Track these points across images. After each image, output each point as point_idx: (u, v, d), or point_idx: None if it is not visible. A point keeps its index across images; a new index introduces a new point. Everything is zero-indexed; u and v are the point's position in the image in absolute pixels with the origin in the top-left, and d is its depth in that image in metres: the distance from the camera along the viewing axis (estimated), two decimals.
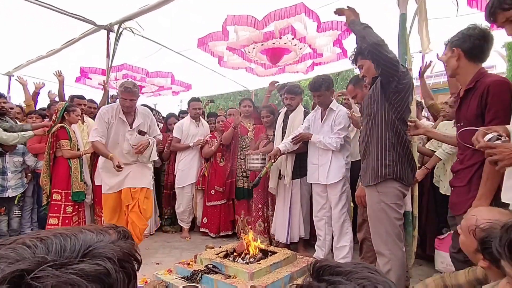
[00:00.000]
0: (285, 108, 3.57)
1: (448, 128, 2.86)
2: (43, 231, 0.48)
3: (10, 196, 3.84)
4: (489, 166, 1.55)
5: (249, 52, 4.50)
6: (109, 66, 4.58)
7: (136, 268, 0.49)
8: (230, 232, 4.11)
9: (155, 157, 3.42)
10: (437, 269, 2.73)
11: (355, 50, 2.33)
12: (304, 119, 3.38)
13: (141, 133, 3.28)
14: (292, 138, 3.16)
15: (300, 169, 3.36)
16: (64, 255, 0.44)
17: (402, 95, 2.08)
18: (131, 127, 3.23)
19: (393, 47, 2.68)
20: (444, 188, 2.87)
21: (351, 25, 2.11)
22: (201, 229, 4.20)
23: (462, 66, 1.82)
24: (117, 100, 3.31)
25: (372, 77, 2.27)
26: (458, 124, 1.90)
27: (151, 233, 4.26)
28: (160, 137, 3.54)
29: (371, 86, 2.30)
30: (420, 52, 3.99)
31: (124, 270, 0.47)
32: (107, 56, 4.44)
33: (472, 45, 1.77)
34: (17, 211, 4.00)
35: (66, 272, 0.42)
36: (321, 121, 3.13)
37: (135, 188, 3.27)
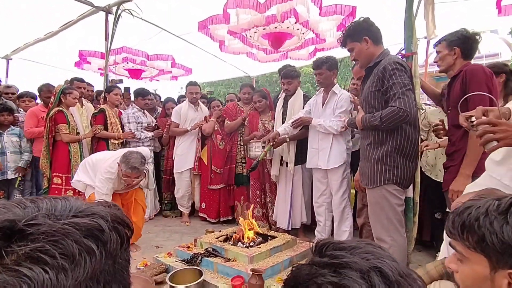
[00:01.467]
0: (284, 93, 3.53)
1: None
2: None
3: (9, 178, 3.85)
4: (474, 143, 1.73)
5: (250, 36, 4.43)
6: (108, 49, 4.53)
7: (129, 235, 0.48)
8: (230, 217, 4.14)
9: (153, 185, 3.49)
10: (437, 255, 2.75)
11: (344, 32, 2.24)
12: (304, 103, 3.36)
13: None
14: (292, 122, 3.15)
15: (302, 155, 3.35)
16: (54, 214, 0.43)
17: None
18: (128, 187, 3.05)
19: (399, 29, 2.66)
20: (436, 175, 2.93)
21: (364, 126, 2.18)
22: (200, 214, 4.23)
23: (457, 64, 2.10)
24: (117, 85, 3.11)
25: (368, 65, 2.20)
26: (448, 111, 2.16)
27: (151, 218, 4.30)
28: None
29: (366, 76, 2.25)
30: (425, 38, 3.92)
31: (118, 232, 0.45)
32: (106, 38, 4.39)
33: (470, 46, 2.09)
34: (17, 195, 4.02)
35: (59, 222, 0.41)
36: (323, 105, 3.10)
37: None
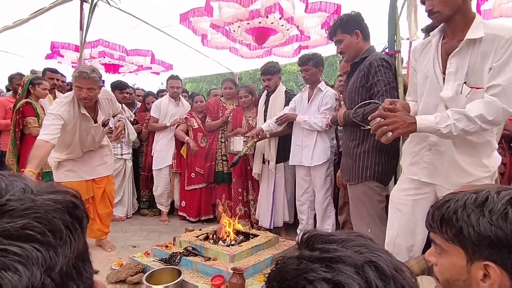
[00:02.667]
0: (266, 90, 3.51)
1: None
2: None
3: None
4: None
5: (234, 31, 4.39)
6: (83, 40, 4.35)
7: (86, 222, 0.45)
8: (211, 216, 4.08)
9: (134, 133, 3.19)
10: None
11: (335, 22, 2.22)
12: (286, 100, 3.35)
13: (105, 124, 2.83)
14: (277, 119, 3.14)
15: (284, 153, 3.34)
16: (31, 189, 0.41)
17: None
18: (95, 122, 2.71)
19: (383, 29, 2.70)
20: None
21: (346, 122, 2.20)
22: (180, 213, 4.16)
23: None
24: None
25: (354, 59, 2.20)
26: None
27: (129, 216, 4.18)
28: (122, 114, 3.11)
29: (351, 71, 2.26)
30: (408, 39, 4.01)
31: (85, 210, 0.44)
32: (81, 28, 4.22)
33: None
34: None
35: (39, 198, 0.39)
36: (308, 101, 3.10)
37: (100, 177, 2.92)
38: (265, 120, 3.38)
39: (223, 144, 3.93)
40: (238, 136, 3.42)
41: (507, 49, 1.34)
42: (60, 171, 2.80)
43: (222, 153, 3.94)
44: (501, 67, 1.35)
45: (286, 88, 3.57)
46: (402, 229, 1.69)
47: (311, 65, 3.00)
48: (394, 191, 1.78)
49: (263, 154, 3.43)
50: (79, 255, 0.40)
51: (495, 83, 1.36)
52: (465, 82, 1.44)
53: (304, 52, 4.97)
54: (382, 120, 1.39)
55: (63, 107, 2.48)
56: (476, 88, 1.42)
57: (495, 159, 1.55)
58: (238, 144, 3.35)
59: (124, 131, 2.96)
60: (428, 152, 1.59)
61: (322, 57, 3.18)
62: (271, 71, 3.37)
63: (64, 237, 0.38)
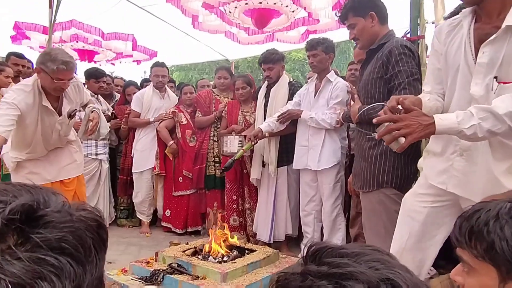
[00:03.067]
0: (266, 82, 3.51)
1: None
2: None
3: None
4: None
5: (230, 12, 4.39)
6: (52, 20, 4.35)
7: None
8: (200, 228, 4.08)
9: (107, 127, 3.13)
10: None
11: (346, 3, 2.22)
12: (290, 92, 3.35)
13: (71, 116, 2.71)
14: (279, 116, 3.13)
15: (286, 155, 3.34)
16: (68, 204, 0.48)
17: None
18: (60, 115, 2.62)
19: (405, 9, 2.71)
20: None
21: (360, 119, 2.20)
22: (163, 224, 4.15)
23: None
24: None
25: (370, 46, 2.20)
26: None
27: None
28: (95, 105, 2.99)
29: (367, 60, 2.26)
30: (433, 23, 4.03)
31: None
32: (50, 5, 4.21)
33: None
34: None
35: (73, 214, 0.45)
36: (315, 94, 3.11)
37: (69, 178, 2.89)
38: (265, 116, 3.37)
39: (216, 143, 3.93)
40: (233, 134, 3.41)
41: None
42: (21, 174, 2.73)
43: (214, 154, 3.93)
44: None
45: (291, 79, 3.57)
46: (413, 241, 1.67)
47: (321, 50, 3.01)
48: (407, 196, 1.77)
49: (262, 156, 3.43)
50: (100, 277, 0.45)
51: None
52: (496, 77, 1.41)
53: (312, 37, 5.00)
54: (392, 124, 1.36)
55: (20, 96, 2.37)
56: (504, 83, 1.40)
57: None
58: (232, 144, 3.32)
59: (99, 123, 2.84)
60: (459, 158, 1.54)
61: (334, 43, 3.18)
62: (273, 59, 3.37)
63: (92, 256, 0.43)
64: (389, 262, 0.53)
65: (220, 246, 2.70)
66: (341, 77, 5.01)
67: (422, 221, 1.65)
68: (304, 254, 0.56)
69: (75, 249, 0.41)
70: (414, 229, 1.67)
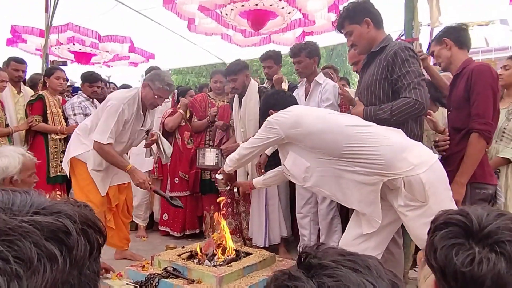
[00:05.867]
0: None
1: None
2: None
3: None
4: (474, 148, 2.01)
5: (226, 14, 4.41)
6: (49, 24, 4.37)
7: (100, 242, 0.48)
8: (197, 231, 4.07)
9: (170, 147, 3.40)
10: None
11: (341, 13, 2.28)
12: (260, 98, 3.30)
13: (148, 131, 3.15)
14: None
15: (274, 158, 3.30)
16: (11, 208, 0.41)
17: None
18: (142, 126, 3.04)
19: (399, 11, 2.71)
20: None
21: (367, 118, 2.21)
22: (161, 228, 4.13)
23: (454, 54, 2.27)
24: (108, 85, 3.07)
25: (367, 51, 2.24)
26: (448, 112, 2.34)
27: None
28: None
29: (367, 62, 2.28)
30: (429, 26, 4.03)
31: (87, 236, 0.44)
32: (46, 10, 4.23)
33: (459, 34, 2.31)
34: None
35: (16, 219, 0.39)
36: (305, 98, 3.12)
37: (125, 184, 3.17)
38: (242, 129, 3.30)
39: (211, 147, 3.91)
40: (209, 147, 3.39)
41: None
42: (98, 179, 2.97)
43: None
44: None
45: (259, 86, 3.47)
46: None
47: (304, 56, 3.04)
48: None
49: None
50: (56, 286, 0.40)
51: None
52: None
53: (308, 39, 5.01)
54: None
55: (125, 103, 2.81)
56: None
57: None
58: (208, 157, 3.30)
59: (158, 144, 3.15)
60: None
61: (317, 46, 3.20)
62: (233, 70, 3.28)
63: (34, 267, 0.38)
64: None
65: (217, 250, 2.69)
66: (342, 78, 5.03)
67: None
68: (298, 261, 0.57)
69: (5, 261, 0.36)
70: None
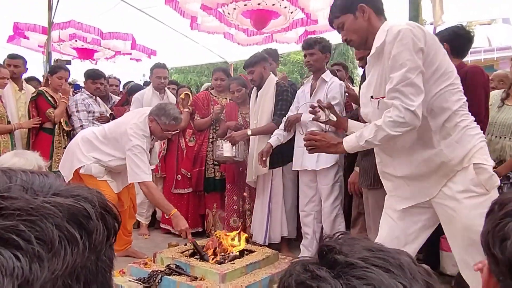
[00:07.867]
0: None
1: None
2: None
3: None
4: None
5: (228, 13, 4.40)
6: (51, 20, 4.37)
7: (116, 228, 0.47)
8: (200, 229, 4.06)
9: (156, 158, 3.60)
10: (446, 274, 2.78)
11: (333, 3, 1.84)
12: (276, 93, 3.33)
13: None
14: (284, 126, 3.13)
15: (281, 155, 3.31)
16: (33, 188, 0.41)
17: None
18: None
19: (403, 8, 2.72)
20: None
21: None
22: (162, 226, 4.13)
23: None
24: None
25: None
26: None
27: None
28: None
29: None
30: (431, 24, 4.04)
31: (105, 222, 0.43)
32: (49, 8, 4.23)
33: (460, 44, 2.34)
34: None
35: (38, 199, 0.38)
36: (311, 95, 3.11)
37: (129, 184, 3.22)
38: (254, 121, 3.34)
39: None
40: (225, 140, 3.39)
41: None
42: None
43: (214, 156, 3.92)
44: None
45: (278, 80, 3.47)
46: (390, 237, 1.76)
47: (318, 49, 3.01)
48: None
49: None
50: (74, 273, 0.40)
51: None
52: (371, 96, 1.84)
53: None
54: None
55: (144, 136, 2.95)
56: (376, 99, 1.78)
57: None
58: (225, 148, 3.30)
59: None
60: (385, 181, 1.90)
61: (331, 44, 3.19)
62: (251, 62, 3.31)
63: (55, 249, 0.37)
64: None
65: (220, 247, 2.70)
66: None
67: (397, 218, 1.78)
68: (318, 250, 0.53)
69: (27, 241, 0.35)
70: (391, 226, 1.79)
